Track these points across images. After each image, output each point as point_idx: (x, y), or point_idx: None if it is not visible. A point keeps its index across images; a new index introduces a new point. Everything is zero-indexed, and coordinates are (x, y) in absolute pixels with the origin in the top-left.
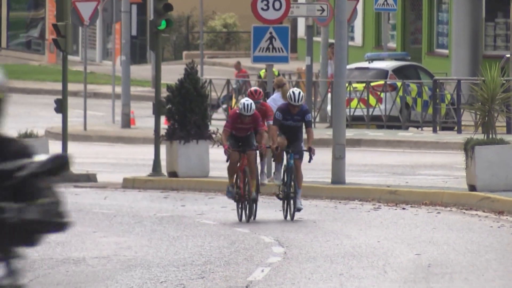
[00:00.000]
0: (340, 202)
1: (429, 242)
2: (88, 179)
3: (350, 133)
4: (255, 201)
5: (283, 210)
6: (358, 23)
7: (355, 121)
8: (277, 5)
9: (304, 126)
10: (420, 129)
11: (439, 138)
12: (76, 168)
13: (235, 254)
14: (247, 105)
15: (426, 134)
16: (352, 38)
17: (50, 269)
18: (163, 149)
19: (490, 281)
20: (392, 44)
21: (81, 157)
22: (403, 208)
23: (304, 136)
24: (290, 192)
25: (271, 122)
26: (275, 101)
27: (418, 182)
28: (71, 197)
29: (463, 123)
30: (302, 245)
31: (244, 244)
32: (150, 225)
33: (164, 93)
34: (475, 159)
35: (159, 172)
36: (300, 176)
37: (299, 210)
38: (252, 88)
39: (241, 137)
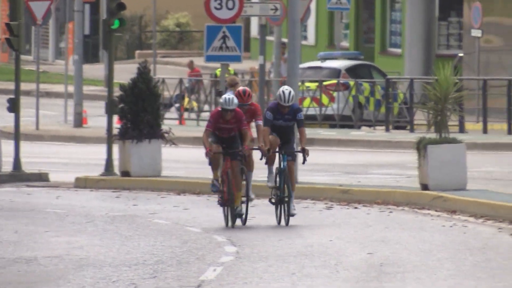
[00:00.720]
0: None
1: (381, 241)
2: (40, 178)
3: None
4: (240, 216)
5: (276, 215)
6: (311, 22)
7: (308, 120)
8: (230, 4)
9: (296, 126)
10: (372, 128)
11: (391, 137)
12: (28, 167)
13: (187, 253)
14: (229, 99)
15: (379, 133)
16: (305, 37)
17: (1, 269)
18: (115, 148)
19: (442, 280)
20: (345, 43)
21: (33, 156)
22: (356, 207)
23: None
24: (284, 196)
25: (260, 122)
26: None
27: (371, 181)
28: (23, 196)
29: (415, 122)
30: (254, 244)
31: (196, 243)
32: (102, 225)
33: (116, 92)
34: (428, 158)
35: (111, 171)
36: (293, 178)
37: (292, 215)
38: (240, 89)
39: (224, 139)
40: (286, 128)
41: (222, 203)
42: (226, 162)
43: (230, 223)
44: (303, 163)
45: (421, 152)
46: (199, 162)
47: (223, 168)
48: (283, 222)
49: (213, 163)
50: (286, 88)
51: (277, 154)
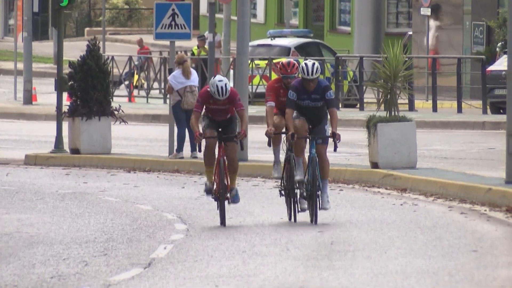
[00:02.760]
0: (242, 179)
1: (332, 220)
2: None
3: (253, 110)
4: (234, 201)
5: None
6: (260, 0)
7: (258, 98)
8: None
9: (326, 106)
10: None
11: (341, 116)
12: None
13: (137, 231)
14: (221, 87)
15: None
16: (255, 15)
17: None
18: (65, 125)
19: (393, 258)
20: (294, 21)
21: None
22: None
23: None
24: (314, 190)
25: (271, 104)
26: (175, 78)
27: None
28: None
29: (365, 100)
30: (205, 222)
31: (146, 221)
32: (52, 202)
33: (66, 69)
34: (378, 136)
35: (61, 149)
36: (327, 165)
37: (325, 209)
38: (285, 61)
39: (220, 122)
40: (314, 110)
41: (215, 197)
42: (219, 150)
43: (221, 220)
44: (335, 150)
45: (371, 130)
46: (148, 140)
47: (217, 157)
48: (304, 218)
49: (207, 156)
50: (309, 60)
51: (306, 140)
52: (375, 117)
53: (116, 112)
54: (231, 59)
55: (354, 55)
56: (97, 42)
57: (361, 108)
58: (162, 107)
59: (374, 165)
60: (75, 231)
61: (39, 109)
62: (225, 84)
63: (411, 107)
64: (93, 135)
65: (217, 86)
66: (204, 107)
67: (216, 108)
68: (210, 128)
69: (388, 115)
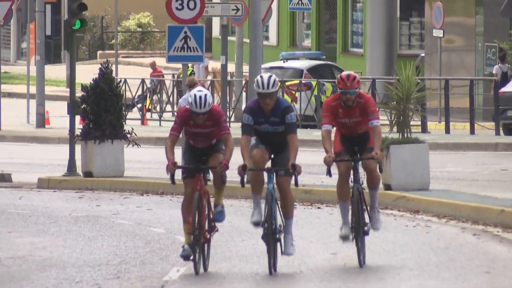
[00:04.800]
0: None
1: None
2: (3, 179)
3: None
4: (220, 219)
5: (269, 259)
6: (273, 23)
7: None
8: (191, 4)
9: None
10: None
11: None
12: None
13: (150, 254)
14: (200, 97)
15: None
16: (267, 38)
17: None
18: (78, 149)
19: (406, 280)
20: (307, 44)
21: None
22: (319, 208)
23: None
24: (276, 229)
25: (327, 127)
26: (186, 101)
27: (334, 181)
28: None
29: None
30: (218, 244)
31: (159, 244)
32: (65, 225)
33: (79, 92)
34: (390, 158)
35: (74, 172)
36: (291, 201)
37: (289, 254)
38: (344, 73)
39: (201, 150)
40: (275, 136)
41: (193, 243)
42: (196, 182)
43: (200, 267)
44: (296, 185)
45: (383, 152)
46: (161, 163)
47: (190, 191)
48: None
49: (187, 206)
50: (264, 73)
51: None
52: (388, 139)
53: (129, 135)
54: (244, 82)
55: (367, 77)
56: (110, 65)
57: None
58: None
59: (387, 186)
60: (88, 254)
61: (52, 133)
62: (205, 95)
63: (424, 129)
64: (106, 158)
65: (195, 96)
66: (184, 131)
67: (197, 132)
68: (190, 158)
69: (400, 137)
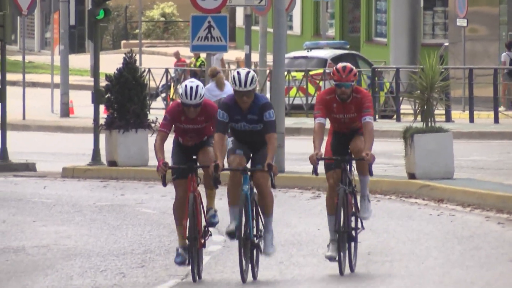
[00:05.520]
0: (279, 191)
1: (369, 230)
2: (28, 168)
3: (290, 122)
4: (213, 224)
5: (241, 265)
6: (296, 12)
7: (294, 110)
8: None
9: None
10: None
11: (378, 127)
12: (15, 157)
13: (175, 242)
14: (191, 87)
15: None
16: (291, 27)
17: None
18: (102, 138)
19: (430, 268)
20: (330, 33)
21: (20, 146)
22: None
23: None
24: (255, 235)
25: (320, 120)
26: (209, 91)
27: None
28: (10, 186)
29: (402, 111)
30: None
31: None
32: (90, 214)
33: (103, 82)
34: (414, 147)
35: (98, 161)
36: (270, 199)
37: (268, 254)
38: (340, 64)
39: (192, 148)
40: (253, 135)
41: (188, 247)
42: (189, 182)
43: (196, 275)
44: (273, 187)
45: (407, 141)
46: None
47: (182, 193)
48: (250, 277)
49: (179, 208)
50: (242, 69)
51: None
52: (412, 128)
53: (153, 125)
54: (267, 71)
55: (391, 66)
56: (134, 54)
57: (398, 119)
58: None
59: (411, 175)
60: (112, 243)
61: (76, 122)
62: (197, 86)
63: (448, 118)
64: (130, 148)
65: (185, 86)
66: (174, 128)
67: (189, 128)
68: (179, 158)
69: (424, 126)
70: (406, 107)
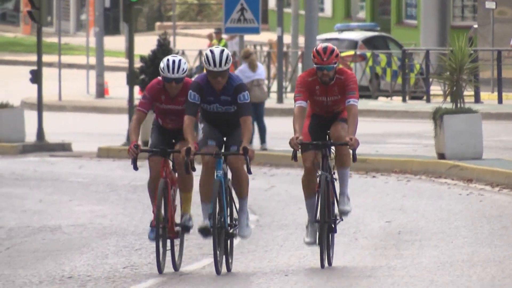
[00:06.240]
0: (298, 174)
1: (399, 210)
2: (64, 148)
3: None
4: (187, 229)
5: (216, 251)
6: None
7: None
8: None
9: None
10: (389, 98)
11: (408, 107)
12: (51, 137)
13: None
14: (173, 61)
15: (396, 103)
16: (322, 10)
17: (27, 237)
18: None
19: (460, 247)
20: (361, 15)
21: (57, 127)
22: (374, 177)
23: None
24: (230, 224)
25: (300, 103)
26: (242, 72)
27: (388, 150)
28: (47, 166)
29: (432, 92)
30: (274, 213)
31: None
32: (124, 194)
33: (137, 63)
34: (444, 128)
35: None
36: (244, 179)
37: (243, 237)
38: (320, 46)
39: (172, 132)
40: (226, 117)
41: (161, 234)
42: (162, 167)
43: (162, 266)
44: (248, 171)
45: (437, 122)
46: None
47: (156, 173)
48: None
49: (153, 185)
50: (216, 47)
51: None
52: (441, 109)
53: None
54: (299, 53)
55: (421, 48)
56: (168, 36)
57: (428, 100)
58: None
59: (441, 156)
60: (147, 222)
61: (111, 103)
62: (179, 60)
63: (477, 99)
64: None
65: (167, 60)
66: (154, 109)
67: (169, 109)
68: (158, 146)
69: (454, 107)
70: (435, 89)
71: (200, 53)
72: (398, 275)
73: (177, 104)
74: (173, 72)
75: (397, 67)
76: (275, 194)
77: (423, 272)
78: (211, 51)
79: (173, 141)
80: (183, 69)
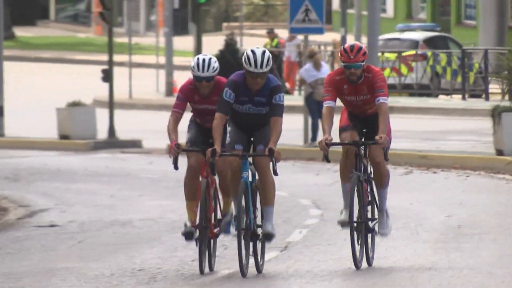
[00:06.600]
0: None
1: (459, 204)
2: (134, 145)
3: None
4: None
5: (241, 254)
6: None
7: (388, 89)
8: None
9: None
10: (449, 96)
11: (467, 105)
12: (122, 134)
13: (274, 216)
14: (203, 59)
15: (455, 101)
16: (384, 10)
17: (99, 231)
18: None
19: None
20: (422, 16)
21: (127, 124)
22: (434, 172)
23: None
24: (257, 227)
25: (329, 104)
26: (307, 71)
27: (448, 147)
28: (118, 162)
29: (490, 90)
30: (338, 207)
31: (282, 206)
32: None
33: None
34: (502, 125)
35: None
36: (271, 186)
37: (269, 238)
38: (348, 44)
39: (210, 130)
40: (256, 118)
41: (202, 237)
42: (203, 167)
43: (207, 266)
44: (274, 173)
45: (496, 119)
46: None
47: (195, 162)
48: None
49: (189, 184)
50: (257, 48)
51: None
52: (500, 106)
53: None
54: None
55: (479, 48)
56: (234, 36)
57: (487, 98)
58: (297, 99)
59: (499, 152)
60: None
61: None
62: (209, 58)
63: None
64: None
65: (198, 58)
66: (191, 108)
67: (204, 109)
68: (196, 142)
69: None
70: (494, 87)
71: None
72: (458, 267)
73: (211, 103)
74: (203, 71)
75: (456, 66)
76: (338, 189)
77: (482, 264)
78: (252, 51)
79: (210, 140)
80: (214, 67)
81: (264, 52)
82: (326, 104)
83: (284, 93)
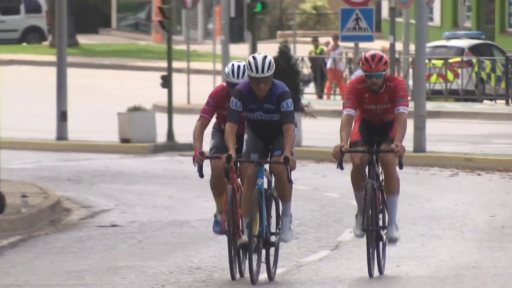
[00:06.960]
0: (421, 169)
1: (503, 205)
2: (192, 148)
3: (430, 106)
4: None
5: (251, 261)
6: (436, 5)
7: (435, 95)
8: None
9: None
10: (494, 101)
11: (511, 110)
12: (180, 138)
13: (325, 216)
14: (238, 66)
15: (499, 106)
16: (431, 19)
17: (157, 231)
18: None
19: None
20: (467, 24)
21: (185, 128)
22: (479, 174)
23: None
24: (270, 235)
25: (349, 111)
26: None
27: (492, 150)
28: (176, 165)
29: None
30: None
31: (333, 207)
32: None
33: None
34: None
35: None
36: (287, 191)
37: (284, 241)
38: (369, 53)
39: (237, 137)
40: (270, 126)
41: (231, 240)
42: (233, 174)
43: (237, 272)
44: (289, 182)
45: None
46: (335, 133)
47: (217, 164)
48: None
49: (215, 187)
50: (258, 53)
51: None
52: None
53: (306, 108)
54: (410, 59)
55: None
56: (288, 44)
57: None
58: None
59: None
60: None
61: None
62: (244, 66)
63: None
64: None
65: (232, 65)
66: (216, 115)
67: None
68: (221, 148)
69: None
70: None
71: (322, 60)
72: (502, 266)
73: None
74: (238, 77)
75: (501, 72)
76: None
77: None
78: (253, 57)
79: (237, 145)
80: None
81: (265, 57)
82: (346, 112)
83: (335, 96)
